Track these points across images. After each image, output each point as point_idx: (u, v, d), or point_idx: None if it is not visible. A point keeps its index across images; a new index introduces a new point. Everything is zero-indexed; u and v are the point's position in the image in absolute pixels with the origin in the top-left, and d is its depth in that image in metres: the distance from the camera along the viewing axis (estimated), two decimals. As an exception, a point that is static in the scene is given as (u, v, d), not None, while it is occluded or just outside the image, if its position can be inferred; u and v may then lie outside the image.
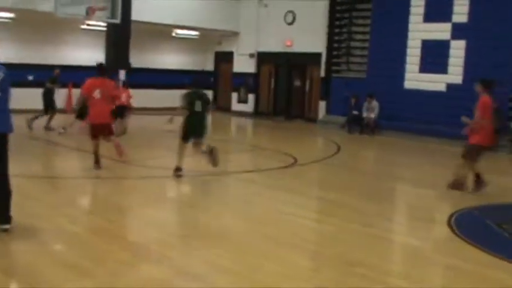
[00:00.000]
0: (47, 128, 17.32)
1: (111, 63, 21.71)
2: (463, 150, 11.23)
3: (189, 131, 11.39)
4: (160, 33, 25.84)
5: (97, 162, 11.79)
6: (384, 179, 12.95)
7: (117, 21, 20.82)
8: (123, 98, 17.64)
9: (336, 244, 7.64)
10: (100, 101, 11.60)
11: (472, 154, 11.08)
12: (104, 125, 11.77)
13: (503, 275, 6.66)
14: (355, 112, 22.06)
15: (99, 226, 8.09)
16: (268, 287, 5.93)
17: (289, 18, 25.66)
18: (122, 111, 17.34)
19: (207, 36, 27.79)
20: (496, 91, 17.54)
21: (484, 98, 11.03)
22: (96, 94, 11.55)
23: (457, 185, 11.15)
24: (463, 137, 11.44)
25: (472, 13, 20.55)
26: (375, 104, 21.78)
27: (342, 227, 8.47)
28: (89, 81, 11.80)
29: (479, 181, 11.13)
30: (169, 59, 27.65)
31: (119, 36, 22.24)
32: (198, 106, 11.30)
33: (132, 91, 18.20)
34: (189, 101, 11.31)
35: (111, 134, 12.12)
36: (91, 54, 22.36)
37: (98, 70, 11.95)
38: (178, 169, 11.32)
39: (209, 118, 11.79)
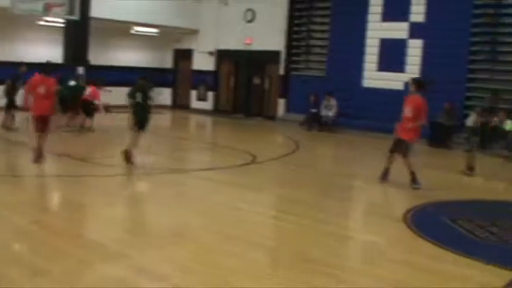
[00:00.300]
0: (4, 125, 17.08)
1: (69, 60, 21.54)
2: (395, 146, 11.66)
3: (139, 120, 12.38)
4: (120, 30, 25.63)
5: (39, 156, 11.88)
6: (342, 176, 13.09)
7: (76, 17, 20.65)
8: (87, 93, 17.69)
9: (295, 241, 7.70)
10: (43, 96, 12.02)
11: (407, 151, 11.48)
12: (44, 117, 12.10)
13: (460, 269, 6.79)
14: (313, 110, 22.21)
15: (56, 224, 8.04)
16: (229, 286, 5.96)
17: (249, 16, 25.72)
18: (87, 108, 17.38)
19: (166, 34, 27.66)
20: (452, 89, 17.94)
21: (416, 98, 11.40)
22: (41, 90, 12.00)
23: (413, 179, 11.43)
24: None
25: (429, 13, 20.87)
26: (333, 102, 21.97)
27: (300, 224, 8.55)
28: (33, 78, 12.34)
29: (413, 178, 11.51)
30: (129, 56, 27.46)
31: (78, 33, 22.07)
32: (138, 97, 12.33)
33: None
34: (132, 93, 12.43)
35: (47, 128, 12.24)
36: (49, 51, 22.13)
37: (43, 68, 12.39)
38: (128, 152, 12.11)
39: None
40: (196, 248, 7.10)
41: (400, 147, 11.49)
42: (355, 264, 7.15)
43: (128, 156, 12.04)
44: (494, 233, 8.47)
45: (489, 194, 11.76)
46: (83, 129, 17.32)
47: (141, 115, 12.33)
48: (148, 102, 12.46)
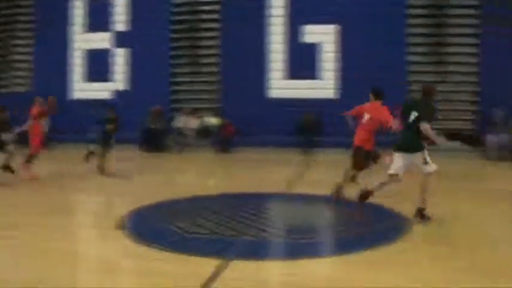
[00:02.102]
0: None
1: None
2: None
3: None
4: None
5: None
6: (64, 191, 12.66)
7: None
8: None
9: (20, 264, 7.28)
10: None
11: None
12: None
13: (178, 267, 6.95)
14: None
15: None
16: None
17: None
18: None
19: None
20: (158, 94, 18.41)
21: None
22: None
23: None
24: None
25: (131, 22, 21.23)
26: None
27: (21, 246, 8.08)
28: None
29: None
30: None
31: None
32: None
33: None
34: None
35: None
36: None
37: None
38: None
39: None
40: None
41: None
42: (89, 277, 6.95)
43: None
44: (205, 226, 8.88)
45: (201, 190, 12.22)
46: None
47: None
48: None
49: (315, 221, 9.95)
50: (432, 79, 19.14)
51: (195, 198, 11.33)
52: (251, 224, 9.07)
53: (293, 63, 20.40)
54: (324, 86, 20.24)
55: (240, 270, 6.84)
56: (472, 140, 18.47)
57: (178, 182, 13.76)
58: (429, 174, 9.00)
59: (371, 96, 10.86)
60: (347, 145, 17.01)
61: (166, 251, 7.57)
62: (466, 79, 19.50)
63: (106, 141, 14.26)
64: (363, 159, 10.91)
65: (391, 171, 9.14)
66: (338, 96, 20.08)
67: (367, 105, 10.94)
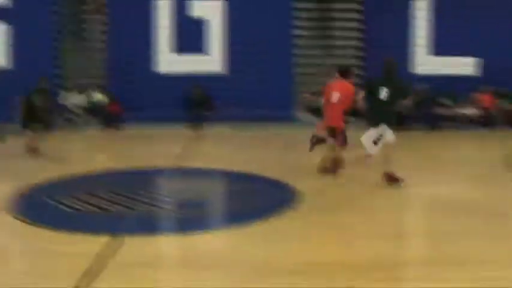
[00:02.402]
0: None
1: None
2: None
3: None
4: None
5: None
6: None
7: None
8: None
9: None
10: None
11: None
12: None
13: (69, 247, 6.85)
14: None
15: None
16: None
17: None
18: None
19: None
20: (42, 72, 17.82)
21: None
22: None
23: None
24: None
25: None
26: None
27: None
28: None
29: None
30: None
31: None
32: None
33: None
34: None
35: None
36: None
37: None
38: None
39: None
40: None
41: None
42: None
43: None
44: (93, 203, 8.80)
45: (90, 167, 12.02)
46: None
47: None
48: None
49: (206, 195, 10.08)
50: (317, 53, 19.58)
51: (83, 176, 11.19)
52: (142, 200, 9.11)
53: (181, 37, 20.32)
54: (212, 60, 20.28)
55: (130, 246, 6.86)
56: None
57: (66, 161, 13.50)
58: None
59: (337, 75, 10.81)
60: (235, 119, 17.37)
61: (55, 230, 7.48)
62: (351, 53, 19.97)
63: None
64: (342, 137, 10.63)
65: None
66: (226, 71, 20.19)
67: (333, 84, 10.75)
